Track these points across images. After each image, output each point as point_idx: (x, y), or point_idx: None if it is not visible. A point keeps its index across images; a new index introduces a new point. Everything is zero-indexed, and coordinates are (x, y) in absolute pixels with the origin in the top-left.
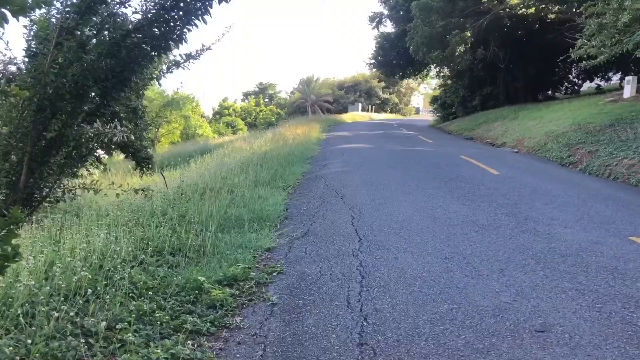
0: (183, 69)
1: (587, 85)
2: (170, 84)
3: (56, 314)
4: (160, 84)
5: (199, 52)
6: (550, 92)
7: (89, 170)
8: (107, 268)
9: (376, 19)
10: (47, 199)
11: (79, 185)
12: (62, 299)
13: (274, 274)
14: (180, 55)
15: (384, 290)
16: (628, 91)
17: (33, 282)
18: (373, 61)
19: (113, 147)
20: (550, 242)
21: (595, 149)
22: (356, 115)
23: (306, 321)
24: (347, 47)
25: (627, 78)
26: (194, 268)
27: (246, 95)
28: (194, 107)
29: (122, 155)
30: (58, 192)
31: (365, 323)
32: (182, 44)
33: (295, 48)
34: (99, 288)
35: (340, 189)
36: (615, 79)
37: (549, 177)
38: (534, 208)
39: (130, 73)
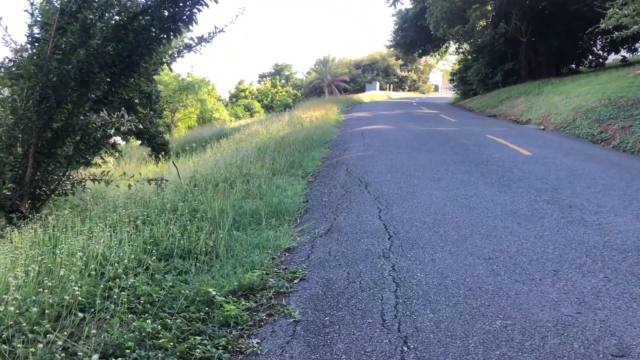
0: (195, 52)
1: (611, 58)
2: (184, 67)
3: (41, 345)
4: (171, 69)
5: (212, 34)
6: (573, 65)
7: (103, 159)
8: (109, 276)
9: None
10: (56, 193)
11: (88, 177)
12: (53, 318)
13: (296, 281)
14: (191, 38)
15: (423, 302)
16: None
17: (20, 298)
18: (392, 42)
19: (126, 134)
20: (603, 234)
21: (628, 125)
22: (374, 94)
23: (335, 346)
24: (363, 26)
25: None
26: (204, 276)
27: (262, 77)
28: (209, 90)
29: (138, 142)
30: (67, 184)
31: (405, 348)
32: (192, 26)
33: (310, 28)
34: (97, 302)
35: (364, 177)
36: None
37: (584, 157)
38: (576, 193)
39: (139, 57)
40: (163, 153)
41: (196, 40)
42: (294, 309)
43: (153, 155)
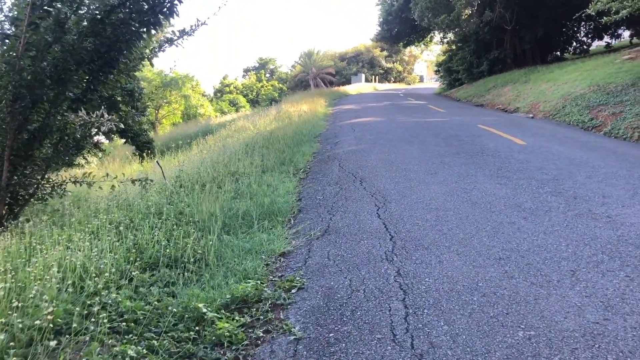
0: (177, 46)
1: (595, 44)
2: (167, 63)
3: None
4: (152, 64)
5: (194, 27)
6: (558, 52)
7: (86, 159)
8: (89, 292)
9: None
10: (35, 197)
11: (69, 179)
12: (25, 344)
13: (293, 291)
14: (173, 31)
15: (435, 313)
16: None
17: None
18: (377, 35)
19: (108, 134)
20: (615, 228)
21: (619, 111)
22: (360, 86)
23: None
24: (347, 17)
25: None
26: (194, 288)
27: (246, 71)
28: (194, 86)
29: (122, 140)
30: (47, 188)
31: None
32: (173, 18)
33: (294, 21)
34: (75, 323)
35: (357, 172)
36: (625, 35)
37: (579, 145)
38: (579, 183)
39: (118, 53)
40: (147, 151)
41: (178, 34)
42: (293, 324)
43: (137, 154)
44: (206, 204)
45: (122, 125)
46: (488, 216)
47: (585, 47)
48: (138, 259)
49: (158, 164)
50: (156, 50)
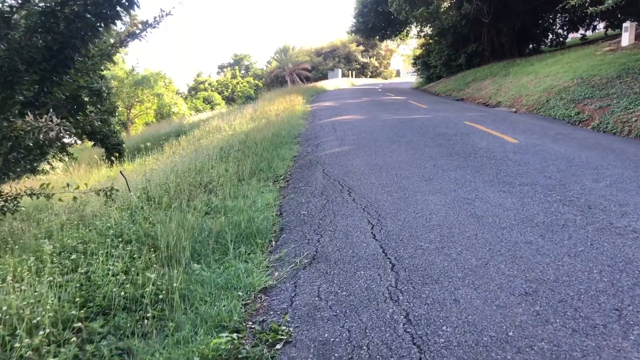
0: (140, 40)
1: (570, 36)
2: (140, 61)
3: None
4: (114, 62)
5: (158, 19)
6: (535, 45)
7: (51, 164)
8: (19, 355)
9: None
10: None
11: (24, 192)
12: None
13: (278, 346)
14: (135, 24)
15: None
16: (627, 38)
17: None
18: (353, 28)
19: (70, 138)
20: None
21: (606, 104)
22: (337, 82)
23: None
24: (322, 13)
25: (624, 25)
26: (153, 344)
27: (221, 68)
28: (167, 84)
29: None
30: None
31: None
32: (133, 10)
33: (269, 17)
34: None
35: (344, 179)
36: (600, 27)
37: (574, 143)
38: (588, 189)
39: (73, 50)
40: (117, 154)
41: (140, 26)
42: None
43: (106, 158)
44: (174, 225)
45: (73, 131)
46: (499, 234)
47: (561, 39)
48: (90, 298)
49: (122, 174)
50: (117, 45)
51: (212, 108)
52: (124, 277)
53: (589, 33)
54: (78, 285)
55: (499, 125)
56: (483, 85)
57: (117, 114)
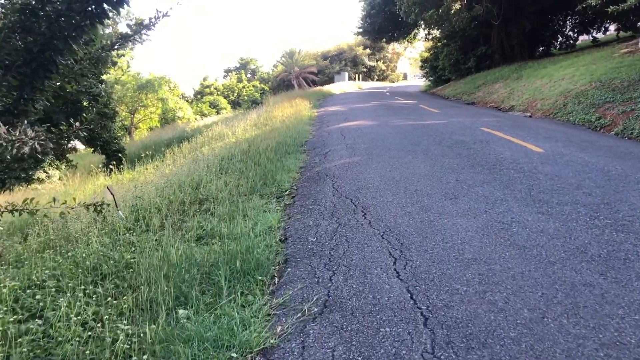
0: (134, 43)
1: (581, 39)
2: (145, 65)
3: None
4: (110, 65)
5: (153, 20)
6: (545, 47)
7: (47, 173)
8: None
9: None
10: None
11: (5, 208)
12: None
13: None
14: (129, 25)
15: None
16: None
17: None
18: (360, 29)
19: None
20: None
21: (630, 109)
22: (344, 85)
23: None
24: (329, 16)
25: None
26: None
27: (227, 72)
28: (171, 88)
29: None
30: None
31: None
32: (123, 8)
33: (275, 19)
34: None
35: (357, 196)
36: (611, 29)
37: (604, 151)
38: (638, 209)
39: (55, 53)
40: (117, 161)
41: (134, 28)
42: None
43: (106, 165)
44: (157, 257)
45: (51, 145)
46: (550, 272)
47: (571, 41)
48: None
49: (109, 189)
50: (107, 49)
51: (217, 112)
52: (92, 328)
53: (599, 35)
54: (31, 340)
55: (518, 131)
56: (494, 89)
57: (118, 119)
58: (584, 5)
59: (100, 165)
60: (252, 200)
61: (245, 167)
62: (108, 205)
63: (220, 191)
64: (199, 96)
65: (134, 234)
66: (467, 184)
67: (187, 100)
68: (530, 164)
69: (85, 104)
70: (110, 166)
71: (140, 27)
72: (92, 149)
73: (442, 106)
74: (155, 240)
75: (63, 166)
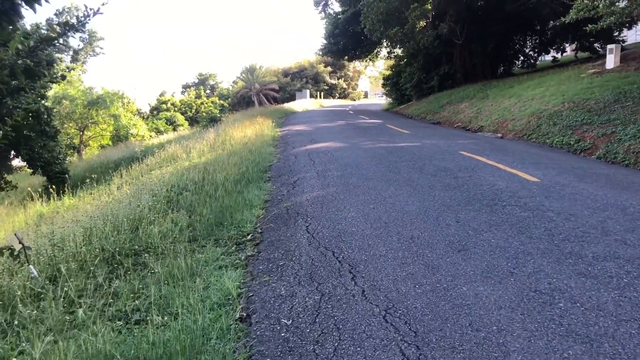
0: (55, 45)
1: (539, 59)
2: (101, 80)
3: None
4: (58, 79)
5: (83, 18)
6: (506, 67)
7: None
8: None
9: (322, 2)
10: None
11: None
12: None
13: None
14: (50, 23)
15: None
16: (612, 61)
17: None
18: (323, 49)
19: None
20: None
21: (610, 131)
22: (306, 103)
23: None
24: (290, 33)
25: (609, 46)
26: None
27: (186, 87)
28: (125, 104)
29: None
30: None
31: None
32: (40, 5)
33: (236, 36)
34: None
35: (339, 246)
36: (568, 51)
37: (604, 180)
38: None
39: None
40: (59, 183)
41: (61, 28)
42: None
43: (47, 187)
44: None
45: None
46: None
47: (532, 60)
48: None
49: (17, 236)
50: (23, 56)
51: (174, 129)
52: None
53: (557, 55)
54: None
55: (500, 156)
56: (460, 109)
57: (64, 137)
58: (557, 23)
59: (41, 189)
60: (205, 248)
61: (198, 200)
62: (29, 249)
63: (165, 236)
64: (155, 112)
65: (40, 305)
66: (471, 228)
67: (143, 117)
68: (532, 198)
69: (18, 119)
70: (50, 190)
71: (66, 27)
72: (32, 171)
73: (409, 126)
74: (68, 320)
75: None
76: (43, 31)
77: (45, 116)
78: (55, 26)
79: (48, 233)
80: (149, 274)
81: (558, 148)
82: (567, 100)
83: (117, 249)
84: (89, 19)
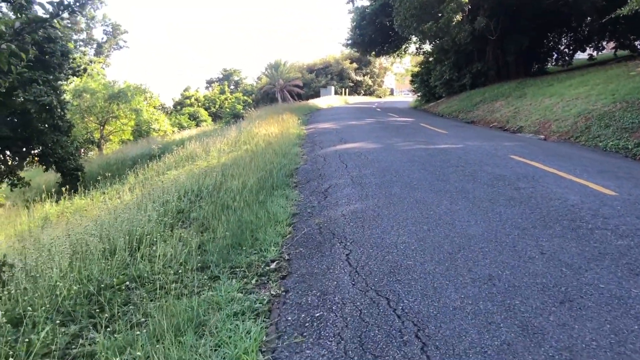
0: (46, 27)
1: (575, 57)
2: (126, 74)
3: None
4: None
5: None
6: (539, 65)
7: None
8: None
9: None
10: None
11: None
12: None
13: None
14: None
15: None
16: None
17: None
18: (349, 41)
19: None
20: None
21: None
22: (331, 100)
23: None
24: (315, 28)
25: None
26: None
27: (210, 83)
28: (148, 98)
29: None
30: None
31: None
32: None
33: (261, 32)
34: None
35: (395, 290)
36: (607, 48)
37: None
38: None
39: None
40: (73, 181)
41: (52, 9)
42: None
43: (61, 184)
44: None
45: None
46: None
47: (567, 58)
48: None
49: None
50: (5, 37)
51: (197, 124)
52: None
53: (595, 53)
54: None
55: (555, 161)
56: (495, 107)
57: (83, 132)
58: (613, 15)
59: (54, 187)
60: (219, 282)
61: (212, 212)
62: (12, 266)
63: (167, 264)
64: (178, 107)
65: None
66: (564, 264)
67: (167, 111)
68: (621, 219)
69: (32, 112)
70: (63, 188)
71: (59, 7)
72: (44, 167)
73: (443, 125)
74: None
75: (3, 186)
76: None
77: (59, 110)
78: (47, 5)
79: (61, 232)
80: (143, 316)
81: (613, 152)
82: (619, 100)
83: (106, 281)
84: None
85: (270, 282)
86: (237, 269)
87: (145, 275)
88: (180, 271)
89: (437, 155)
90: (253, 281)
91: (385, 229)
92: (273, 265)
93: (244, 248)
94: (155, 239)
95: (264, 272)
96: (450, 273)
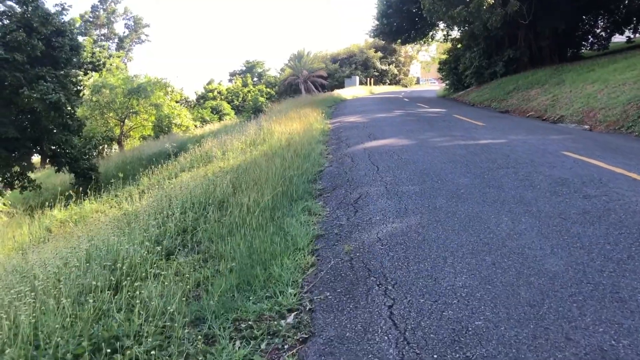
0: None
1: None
2: (148, 68)
3: None
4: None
5: None
6: (574, 50)
7: None
8: None
9: None
10: None
11: None
12: None
13: None
14: None
15: None
16: None
17: None
18: (374, 30)
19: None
20: None
21: None
22: (355, 90)
23: None
24: (338, 17)
25: None
26: None
27: (232, 75)
28: (169, 92)
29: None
30: None
31: None
32: None
33: (283, 21)
34: None
35: None
36: None
37: None
38: None
39: None
40: (87, 181)
41: None
42: None
43: (75, 185)
44: None
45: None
46: None
47: (603, 42)
48: None
49: None
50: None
51: (220, 118)
52: None
53: (637, 36)
54: None
55: (618, 158)
56: (530, 95)
57: (95, 130)
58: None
59: (71, 185)
60: (215, 348)
61: (219, 233)
62: None
63: (152, 315)
64: (201, 101)
65: None
66: None
67: (190, 105)
68: None
69: (41, 112)
70: (72, 192)
71: None
72: (56, 168)
73: (477, 116)
74: None
75: (8, 193)
76: None
77: (69, 108)
78: None
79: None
80: None
81: None
82: None
83: (62, 349)
84: None
85: (284, 349)
86: (243, 323)
87: (120, 334)
88: (166, 326)
89: (481, 154)
90: (263, 345)
91: (436, 261)
92: (290, 319)
93: (254, 289)
94: (145, 273)
95: (278, 331)
96: (541, 344)
